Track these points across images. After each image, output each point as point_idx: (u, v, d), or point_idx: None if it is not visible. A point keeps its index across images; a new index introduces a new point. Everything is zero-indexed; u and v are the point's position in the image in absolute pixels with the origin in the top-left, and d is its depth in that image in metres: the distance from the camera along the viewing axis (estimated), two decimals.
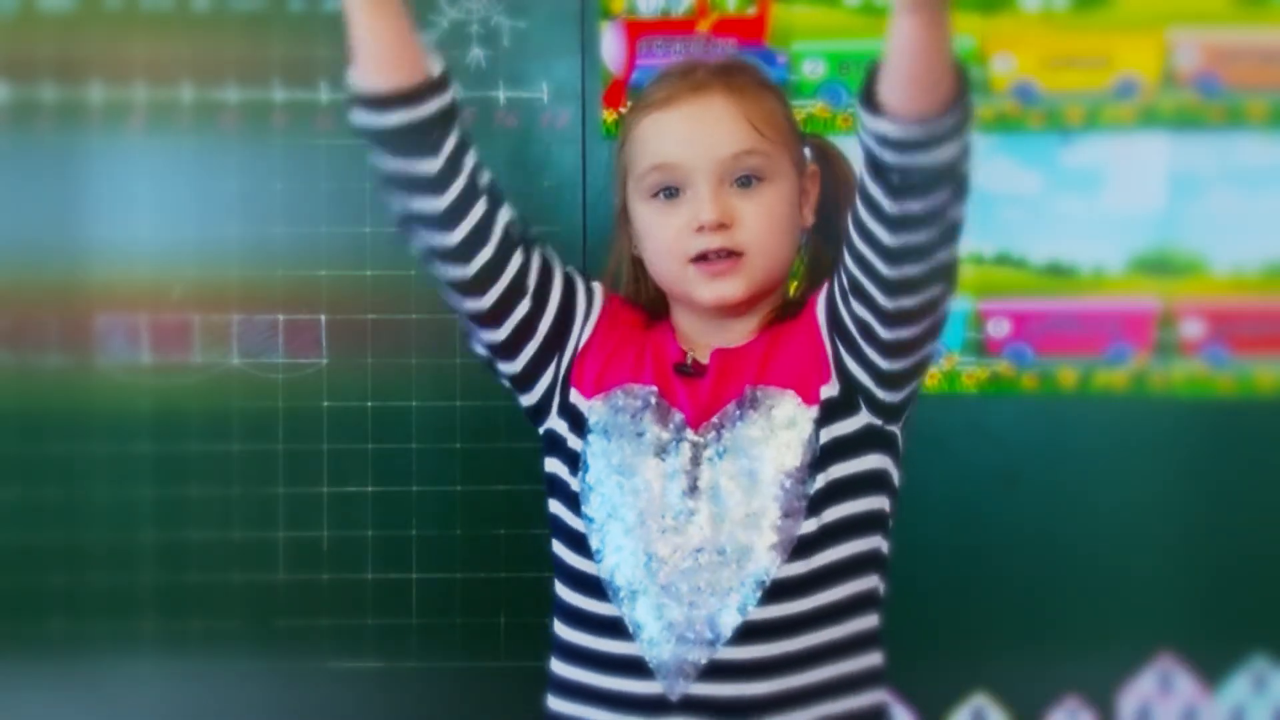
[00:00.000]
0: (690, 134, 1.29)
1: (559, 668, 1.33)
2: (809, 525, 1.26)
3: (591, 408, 1.32)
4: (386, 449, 1.89)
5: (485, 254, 1.30)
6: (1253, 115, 1.81)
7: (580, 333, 1.35)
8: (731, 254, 1.28)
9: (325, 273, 1.90)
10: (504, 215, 1.31)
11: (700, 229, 1.27)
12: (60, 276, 1.89)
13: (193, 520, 1.89)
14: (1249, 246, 1.81)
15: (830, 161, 1.38)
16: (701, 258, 1.28)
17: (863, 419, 1.29)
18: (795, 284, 1.40)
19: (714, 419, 1.29)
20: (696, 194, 1.28)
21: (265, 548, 1.89)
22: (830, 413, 1.28)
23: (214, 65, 1.89)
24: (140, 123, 1.90)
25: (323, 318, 1.90)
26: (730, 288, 1.29)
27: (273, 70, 1.89)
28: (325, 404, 1.90)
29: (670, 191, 1.30)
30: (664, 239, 1.30)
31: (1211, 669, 1.83)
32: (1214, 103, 1.81)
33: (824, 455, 1.27)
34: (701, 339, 1.35)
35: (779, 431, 1.27)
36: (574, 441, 1.32)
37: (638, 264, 1.37)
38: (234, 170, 1.90)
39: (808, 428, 1.27)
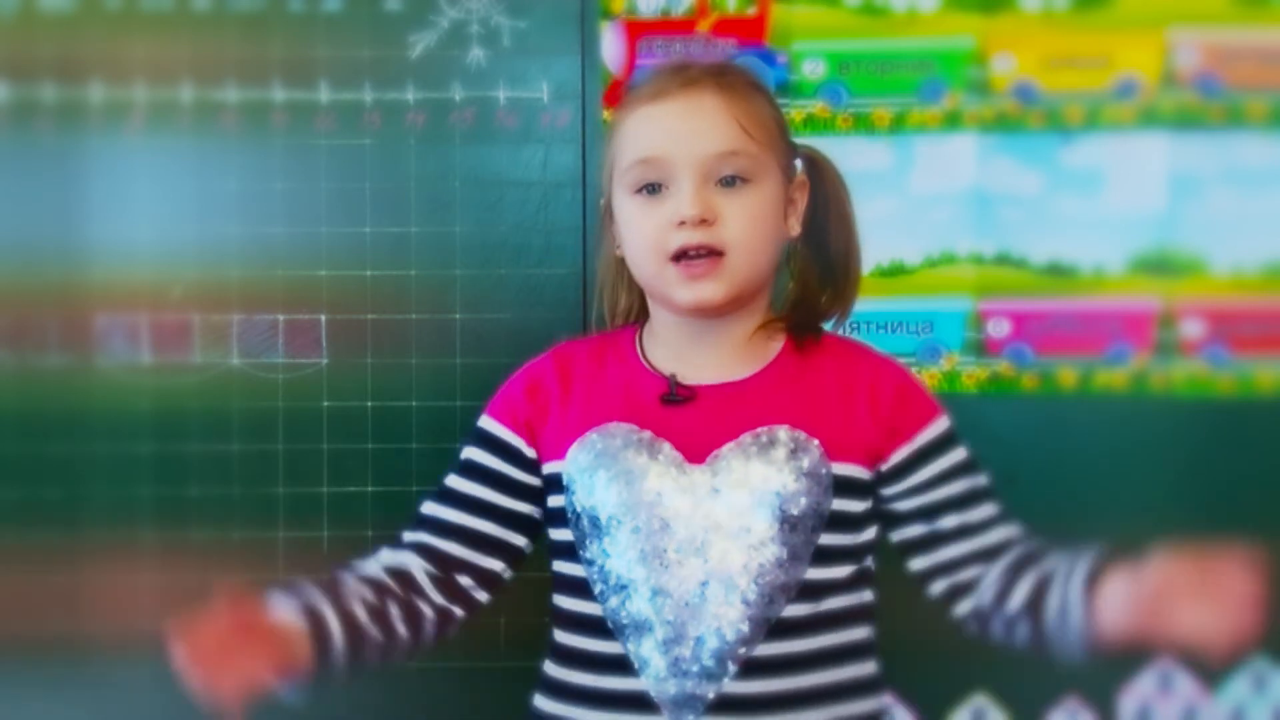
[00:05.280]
0: (677, 129, 1.27)
1: (550, 706, 1.32)
2: (815, 571, 1.25)
3: (569, 460, 1.29)
4: (386, 449, 1.89)
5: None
6: (1253, 115, 1.81)
7: (535, 448, 1.34)
8: (712, 253, 1.25)
9: (325, 273, 1.90)
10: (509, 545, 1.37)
11: (681, 224, 1.25)
12: (60, 276, 1.89)
13: (193, 520, 1.89)
14: (1249, 246, 1.81)
15: (821, 173, 1.36)
16: (681, 255, 1.25)
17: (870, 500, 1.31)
18: (786, 300, 1.37)
19: (720, 451, 1.26)
20: (679, 189, 1.25)
21: (265, 548, 1.89)
22: (841, 483, 1.27)
23: (214, 65, 1.89)
24: (140, 123, 1.90)
25: (323, 318, 1.90)
26: (709, 290, 1.26)
27: (273, 70, 1.89)
28: (325, 404, 1.90)
29: (654, 188, 1.27)
30: (645, 235, 1.27)
31: (1211, 669, 1.83)
32: (1214, 103, 1.81)
33: (834, 493, 1.26)
34: (686, 348, 1.32)
35: (789, 471, 1.25)
36: (556, 499, 1.31)
37: (621, 266, 1.35)
38: (234, 170, 1.89)
39: (821, 471, 1.26)
